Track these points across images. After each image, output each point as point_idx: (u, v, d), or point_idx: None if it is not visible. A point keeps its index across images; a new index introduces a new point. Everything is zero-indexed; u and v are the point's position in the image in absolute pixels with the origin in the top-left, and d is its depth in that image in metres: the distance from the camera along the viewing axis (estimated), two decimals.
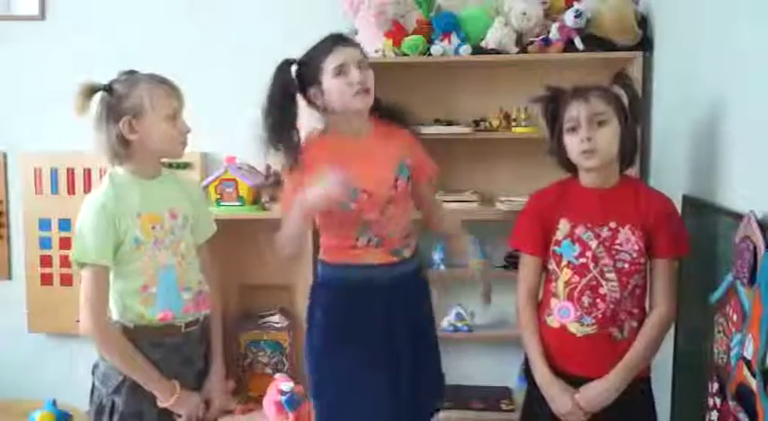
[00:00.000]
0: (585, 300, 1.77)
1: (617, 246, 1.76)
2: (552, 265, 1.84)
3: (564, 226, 1.82)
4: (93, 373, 1.75)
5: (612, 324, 1.76)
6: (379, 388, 1.89)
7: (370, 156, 1.88)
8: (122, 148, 1.67)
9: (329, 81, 1.83)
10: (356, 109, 1.85)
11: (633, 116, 1.79)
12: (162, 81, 1.71)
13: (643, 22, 2.58)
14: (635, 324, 1.77)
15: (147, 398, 1.69)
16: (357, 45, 1.91)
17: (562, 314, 1.80)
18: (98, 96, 1.67)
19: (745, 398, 1.41)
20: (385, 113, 1.97)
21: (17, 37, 3.04)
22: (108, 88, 1.67)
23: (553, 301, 1.82)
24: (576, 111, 1.75)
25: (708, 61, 1.90)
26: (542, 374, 1.81)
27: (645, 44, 2.56)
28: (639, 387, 1.79)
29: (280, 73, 1.89)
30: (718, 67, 1.82)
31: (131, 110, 1.66)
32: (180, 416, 1.74)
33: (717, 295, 1.58)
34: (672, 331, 2.02)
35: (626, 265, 1.75)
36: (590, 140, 1.73)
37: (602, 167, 1.78)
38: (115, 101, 1.66)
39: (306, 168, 1.82)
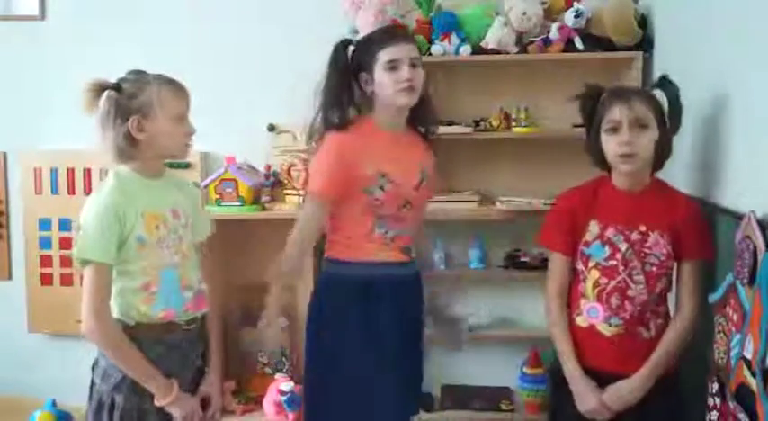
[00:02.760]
0: (614, 301, 1.77)
1: (646, 250, 1.75)
2: (580, 266, 1.83)
3: (594, 227, 1.81)
4: (92, 370, 1.75)
5: (640, 324, 1.77)
6: (387, 391, 1.89)
7: (403, 152, 1.94)
8: (129, 147, 1.68)
9: (380, 73, 1.87)
10: (399, 105, 1.90)
11: (672, 122, 1.77)
12: (171, 81, 1.72)
13: (643, 22, 2.58)
14: (660, 321, 1.78)
15: (147, 394, 1.69)
16: (413, 41, 1.95)
17: (591, 314, 1.80)
18: (105, 94, 1.66)
19: (745, 398, 1.41)
20: (418, 122, 2.01)
21: (17, 37, 3.04)
22: (117, 86, 1.68)
23: (582, 301, 1.82)
24: (618, 113, 1.72)
25: (708, 61, 1.90)
26: (572, 370, 1.81)
27: (645, 44, 2.56)
28: (668, 383, 1.80)
29: (336, 53, 1.95)
30: (718, 67, 1.82)
31: (140, 109, 1.66)
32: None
33: (717, 295, 1.58)
34: None
35: (654, 268, 1.75)
36: (630, 144, 1.71)
37: (637, 171, 1.77)
38: (124, 99, 1.66)
39: (350, 138, 1.88)
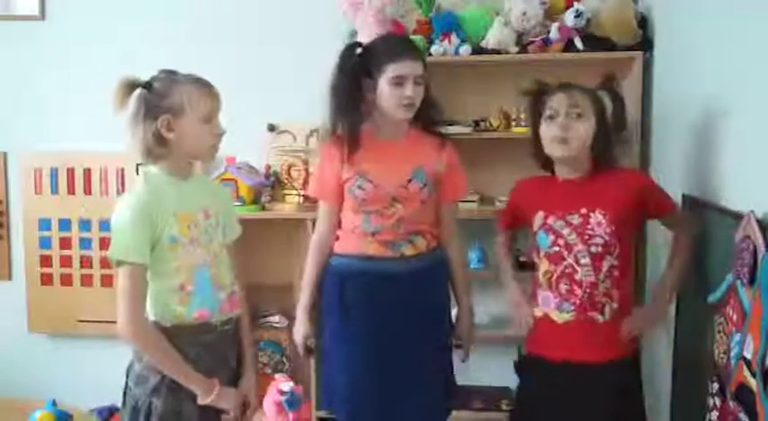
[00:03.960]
0: (563, 287, 1.81)
1: (589, 232, 1.79)
2: (535, 258, 1.91)
3: (539, 218, 1.87)
4: (126, 374, 1.74)
5: (592, 308, 1.79)
6: (365, 384, 1.97)
7: (391, 154, 1.99)
8: (158, 147, 1.67)
9: (384, 85, 1.91)
10: (397, 119, 1.96)
11: (615, 122, 1.83)
12: (202, 82, 1.71)
13: (643, 22, 2.58)
14: (615, 306, 1.79)
15: (186, 396, 1.67)
16: (421, 58, 1.97)
17: (545, 303, 1.86)
18: (137, 93, 1.66)
19: (745, 398, 1.41)
20: (427, 123, 2.06)
21: (17, 37, 3.04)
22: (148, 85, 1.67)
23: (539, 292, 1.88)
24: (557, 102, 1.80)
25: (707, 61, 1.90)
26: (507, 283, 2.01)
27: (645, 44, 2.56)
28: (627, 365, 1.82)
29: (344, 56, 1.98)
30: (717, 67, 1.82)
31: (170, 108, 1.65)
32: (225, 412, 1.73)
33: (717, 295, 1.58)
34: (672, 331, 2.03)
35: (599, 249, 1.79)
36: (565, 129, 1.78)
37: (572, 159, 1.81)
38: (154, 98, 1.66)
39: (336, 149, 1.99)
